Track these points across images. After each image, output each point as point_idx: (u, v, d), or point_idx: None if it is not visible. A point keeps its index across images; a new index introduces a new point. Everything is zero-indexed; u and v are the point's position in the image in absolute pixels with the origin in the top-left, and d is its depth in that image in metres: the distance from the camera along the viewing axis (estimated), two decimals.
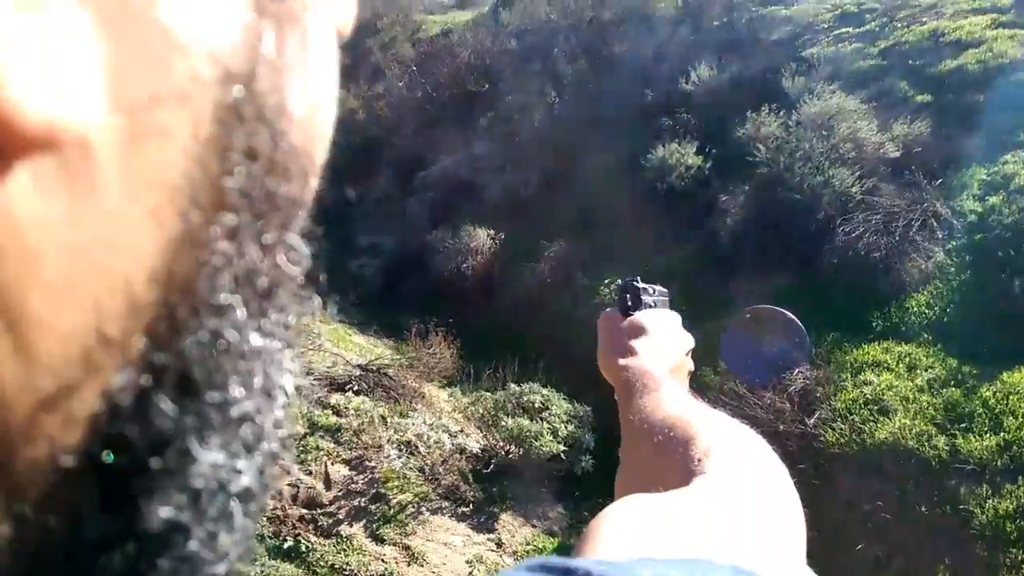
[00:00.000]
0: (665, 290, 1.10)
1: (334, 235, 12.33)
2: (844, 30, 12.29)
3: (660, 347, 0.94)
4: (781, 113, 10.20)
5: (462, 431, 6.56)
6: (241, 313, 0.21)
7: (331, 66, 0.26)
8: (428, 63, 15.99)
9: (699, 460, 0.65)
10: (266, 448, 0.23)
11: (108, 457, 0.18)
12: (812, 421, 6.16)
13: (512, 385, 7.02)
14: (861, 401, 6.15)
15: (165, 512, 0.19)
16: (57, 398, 0.17)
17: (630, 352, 0.92)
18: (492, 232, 10.68)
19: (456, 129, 14.03)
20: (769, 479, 0.67)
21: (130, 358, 0.18)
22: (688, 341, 1.01)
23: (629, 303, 1.01)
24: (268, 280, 0.22)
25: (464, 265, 10.37)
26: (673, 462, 0.68)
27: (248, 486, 0.22)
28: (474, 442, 6.39)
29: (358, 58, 17.98)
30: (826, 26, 12.83)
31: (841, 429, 5.97)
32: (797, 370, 6.59)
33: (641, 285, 1.03)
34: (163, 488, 0.19)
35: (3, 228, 0.15)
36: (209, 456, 0.20)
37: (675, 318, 1.03)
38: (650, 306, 1.02)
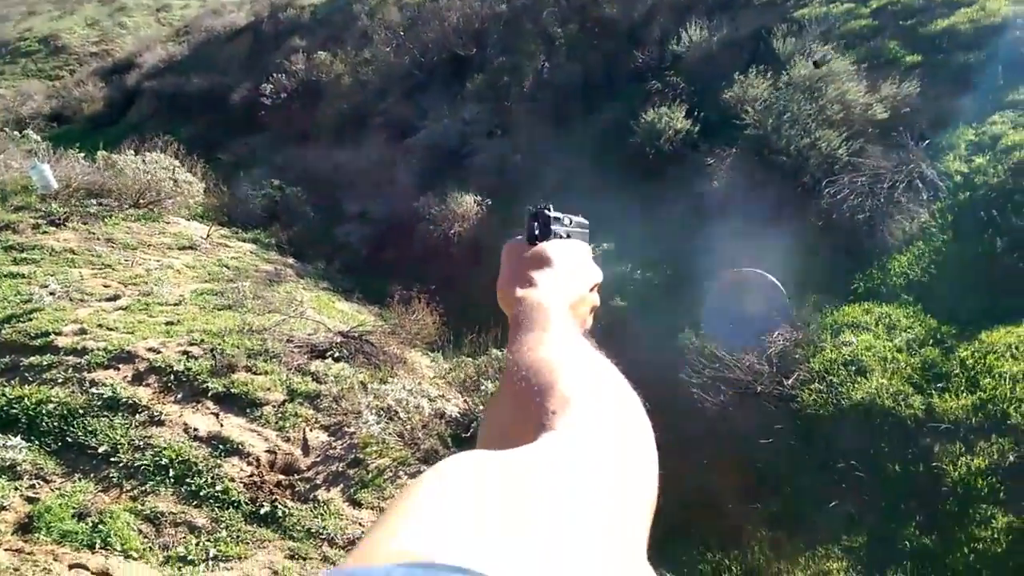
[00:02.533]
0: (585, 221, 1.03)
1: (321, 203, 12.29)
2: None
3: (562, 279, 0.87)
4: (769, 75, 10.08)
5: (442, 396, 6.58)
6: None
7: None
8: (416, 27, 15.77)
9: (553, 412, 0.61)
10: None
11: None
12: (790, 382, 6.17)
13: (494, 350, 7.02)
14: (839, 362, 6.16)
15: None
16: None
17: (529, 283, 0.86)
18: (479, 198, 10.61)
19: (444, 94, 13.88)
20: (624, 440, 0.61)
21: None
22: (595, 274, 0.94)
23: (537, 231, 0.94)
24: None
25: (451, 231, 10.33)
26: (528, 412, 0.62)
27: None
28: (454, 407, 6.40)
29: (345, 23, 17.74)
30: None
31: (819, 390, 5.99)
32: (777, 332, 6.60)
33: (553, 213, 0.95)
34: None
35: None
36: None
37: (585, 249, 0.96)
38: (560, 236, 0.95)
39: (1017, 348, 5.80)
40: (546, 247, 0.92)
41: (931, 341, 6.17)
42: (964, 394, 5.58)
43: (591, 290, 0.93)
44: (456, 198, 10.61)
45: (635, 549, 0.51)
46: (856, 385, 5.90)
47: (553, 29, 14.16)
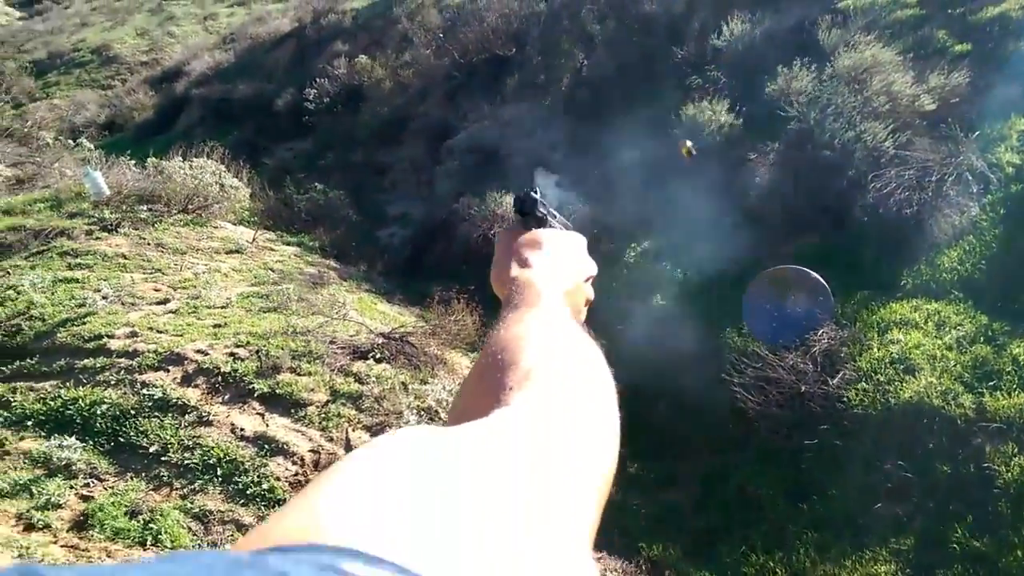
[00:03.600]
0: (568, 223, 1.04)
1: (364, 206, 12.44)
2: None
3: (557, 265, 0.87)
4: (813, 67, 9.90)
5: None
6: None
7: None
8: (455, 29, 15.85)
9: (510, 388, 0.60)
10: None
11: None
12: (835, 382, 6.05)
13: None
14: (887, 360, 6.02)
15: None
16: None
17: (524, 263, 0.86)
18: None
19: (484, 95, 13.92)
20: (579, 417, 0.60)
21: None
22: (590, 267, 0.93)
23: (522, 207, 0.95)
24: None
25: (491, 232, 10.35)
26: (488, 388, 0.62)
27: None
28: None
29: (385, 27, 17.92)
30: None
31: (865, 389, 5.87)
32: (821, 330, 6.48)
33: (537, 196, 0.97)
34: None
35: None
36: None
37: (581, 240, 0.97)
38: (550, 223, 0.96)
39: None
40: (541, 233, 0.92)
41: (982, 338, 6.00)
42: (1017, 392, 5.41)
43: (586, 281, 0.92)
44: (495, 198, 10.63)
45: (570, 533, 0.48)
46: (904, 384, 5.77)
47: (591, 26, 14.11)
